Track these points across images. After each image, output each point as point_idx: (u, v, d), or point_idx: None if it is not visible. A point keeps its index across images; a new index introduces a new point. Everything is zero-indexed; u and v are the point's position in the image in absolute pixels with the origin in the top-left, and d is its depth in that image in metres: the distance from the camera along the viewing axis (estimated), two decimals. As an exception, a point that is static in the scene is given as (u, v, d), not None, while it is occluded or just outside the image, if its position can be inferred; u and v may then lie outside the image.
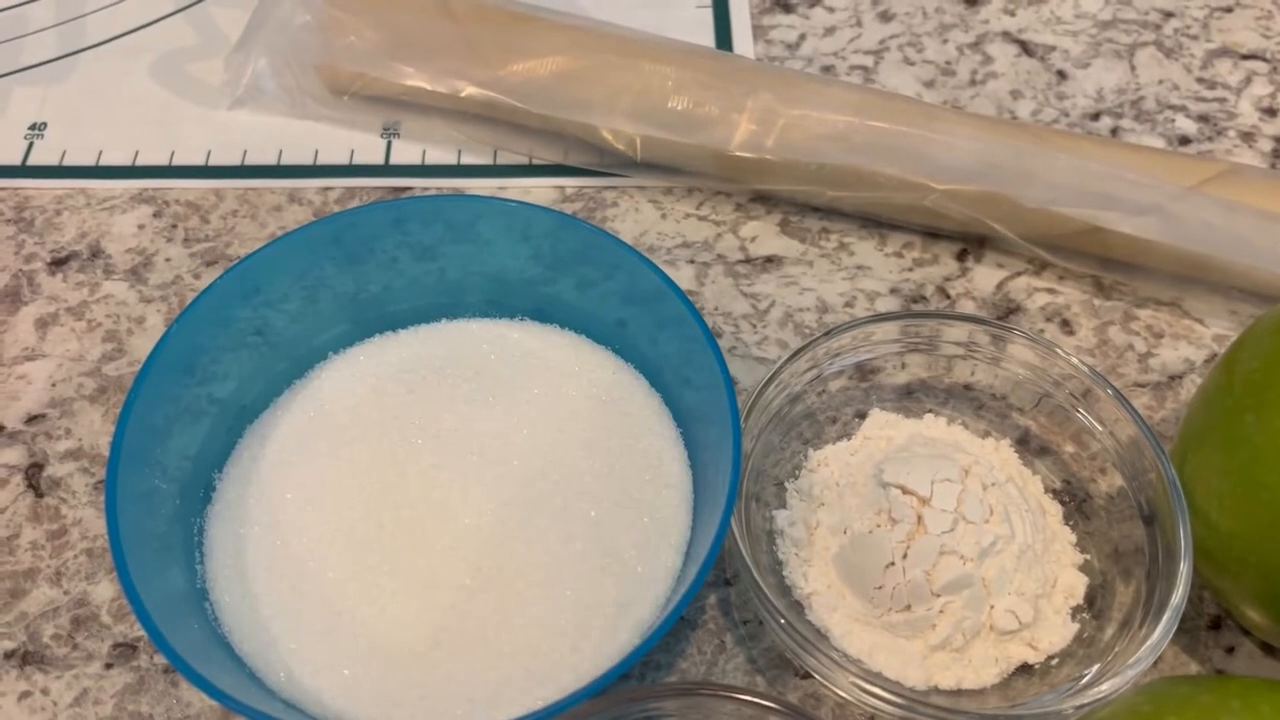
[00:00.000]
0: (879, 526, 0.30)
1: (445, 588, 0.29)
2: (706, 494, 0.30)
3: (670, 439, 0.32)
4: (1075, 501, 0.33)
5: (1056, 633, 0.30)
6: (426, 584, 0.29)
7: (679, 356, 0.32)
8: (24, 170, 0.41)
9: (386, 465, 0.31)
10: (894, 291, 0.39)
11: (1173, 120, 0.44)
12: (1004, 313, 0.38)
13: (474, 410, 0.32)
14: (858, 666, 0.29)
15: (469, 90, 0.40)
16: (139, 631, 0.31)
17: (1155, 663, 0.31)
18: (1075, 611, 0.31)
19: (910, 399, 0.35)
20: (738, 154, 0.38)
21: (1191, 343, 0.38)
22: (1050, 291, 0.39)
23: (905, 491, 0.30)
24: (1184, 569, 0.28)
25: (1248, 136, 0.43)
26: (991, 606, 0.30)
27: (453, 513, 0.30)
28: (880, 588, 0.30)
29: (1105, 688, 0.27)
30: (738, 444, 0.28)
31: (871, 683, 0.27)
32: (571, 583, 0.29)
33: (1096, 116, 0.44)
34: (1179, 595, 0.28)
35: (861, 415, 0.35)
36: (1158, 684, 0.25)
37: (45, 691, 0.30)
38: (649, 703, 0.27)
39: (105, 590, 0.32)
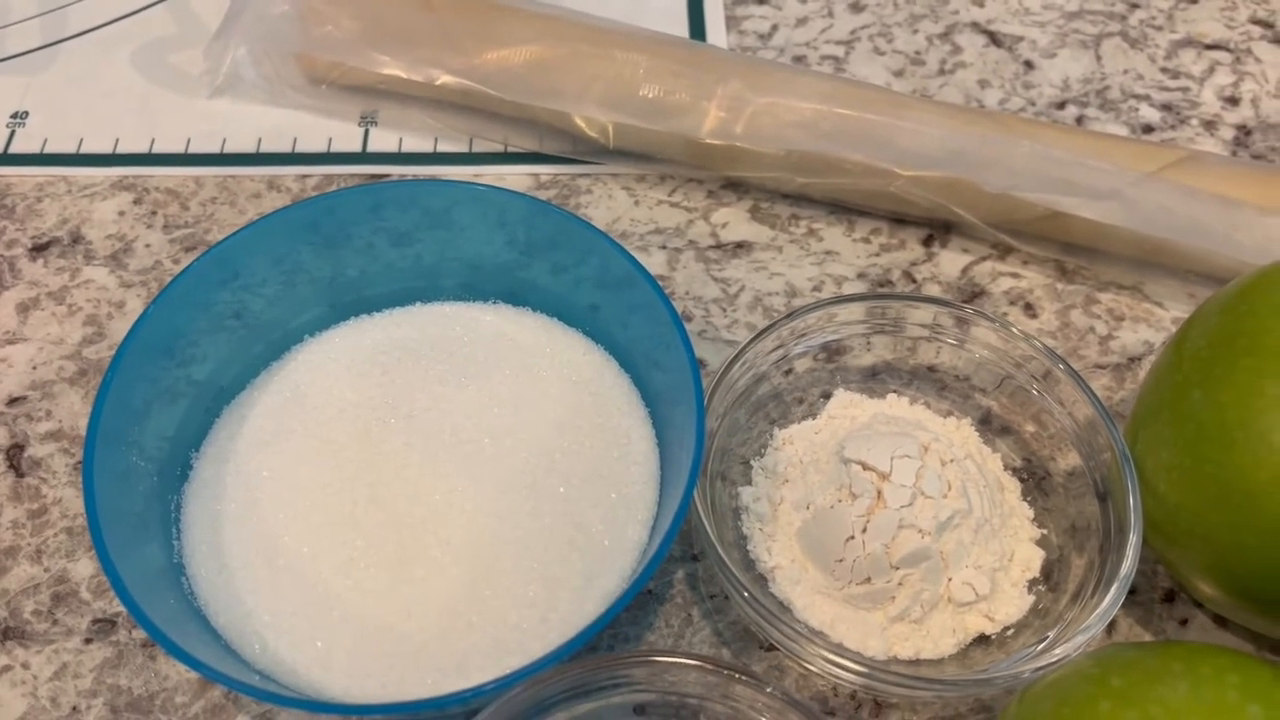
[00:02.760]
0: (840, 502, 0.31)
1: (416, 562, 0.30)
2: (672, 471, 0.31)
3: (639, 418, 0.33)
4: (1035, 479, 0.34)
5: (1013, 604, 0.31)
6: (398, 558, 0.30)
7: (649, 340, 0.33)
8: (5, 158, 0.41)
9: (361, 444, 0.32)
10: (861, 276, 0.39)
11: (1137, 109, 0.44)
12: (969, 297, 0.39)
13: (447, 390, 0.33)
14: (819, 638, 0.30)
15: (445, 79, 0.41)
16: (118, 607, 0.32)
17: (1110, 633, 0.32)
18: (1031, 584, 0.31)
19: (875, 380, 0.36)
20: (708, 141, 0.39)
21: (1151, 325, 0.38)
22: (1014, 276, 0.40)
23: (866, 467, 0.31)
24: (1133, 540, 0.29)
25: (1210, 125, 0.44)
26: (949, 579, 0.30)
27: (424, 489, 0.31)
28: (841, 561, 0.30)
29: (1057, 653, 0.28)
30: (701, 422, 0.29)
31: (833, 653, 0.28)
32: (540, 556, 0.30)
33: (1062, 105, 0.44)
34: (1128, 565, 0.29)
35: (827, 396, 0.35)
36: (1106, 649, 0.26)
37: (25, 665, 0.31)
38: (616, 670, 0.28)
39: (85, 567, 0.33)
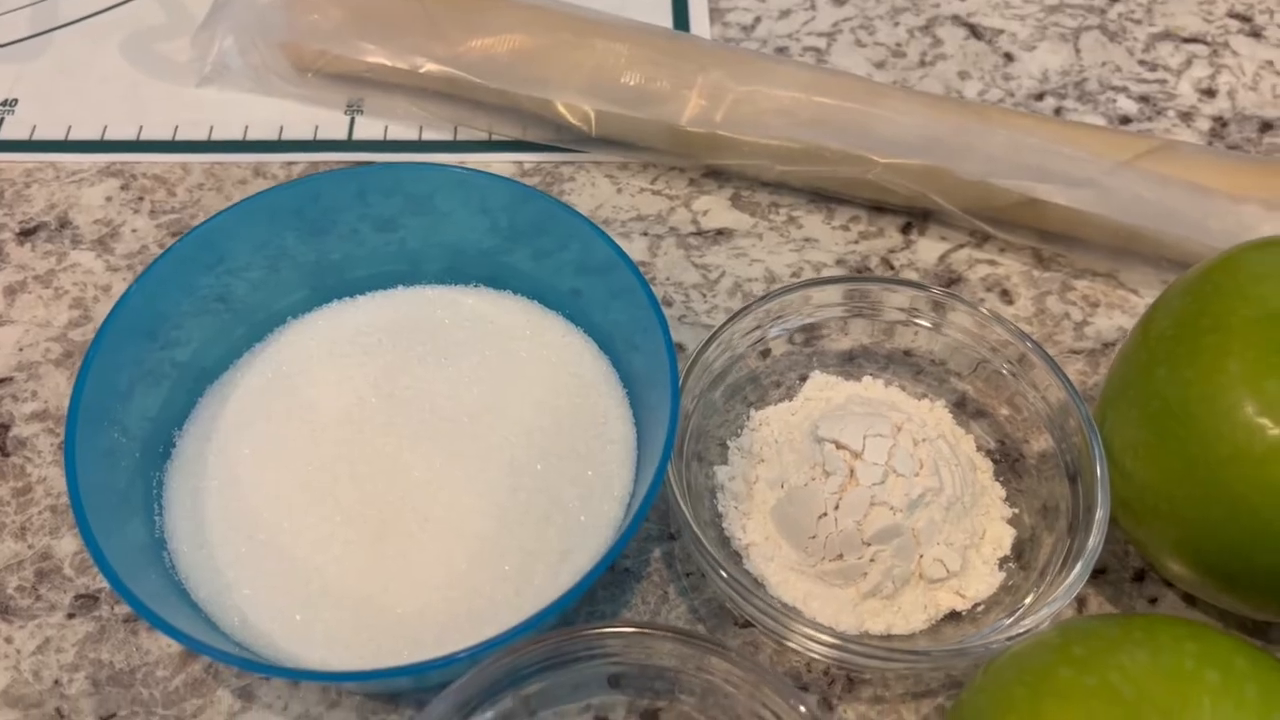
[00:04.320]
0: (814, 480, 0.31)
1: (395, 536, 0.30)
2: (649, 451, 0.31)
3: (617, 399, 0.33)
4: (1008, 461, 0.34)
5: (983, 581, 0.31)
6: (377, 533, 0.30)
7: (628, 323, 0.33)
8: (-7, 144, 0.42)
9: (342, 423, 0.32)
10: (840, 263, 0.40)
11: (1114, 100, 0.45)
12: (946, 283, 0.39)
13: (427, 370, 0.34)
14: (793, 614, 0.30)
15: (430, 66, 0.41)
16: (100, 583, 0.32)
17: (1080, 611, 0.33)
18: (1002, 562, 0.32)
19: (851, 364, 0.36)
20: (689, 129, 0.40)
21: (1125, 312, 0.39)
22: (991, 263, 0.40)
23: (839, 446, 0.31)
24: (1100, 514, 0.30)
25: (1186, 116, 0.45)
26: (920, 556, 0.31)
27: (404, 466, 0.31)
28: (814, 537, 0.31)
29: (1026, 624, 0.28)
30: (675, 399, 0.29)
31: (807, 627, 0.29)
32: (516, 531, 0.30)
33: (1040, 97, 0.45)
34: (1095, 539, 0.29)
35: (804, 379, 0.36)
36: (1070, 621, 0.27)
37: (9, 640, 0.32)
38: (592, 641, 0.28)
39: (68, 544, 0.33)
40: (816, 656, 0.30)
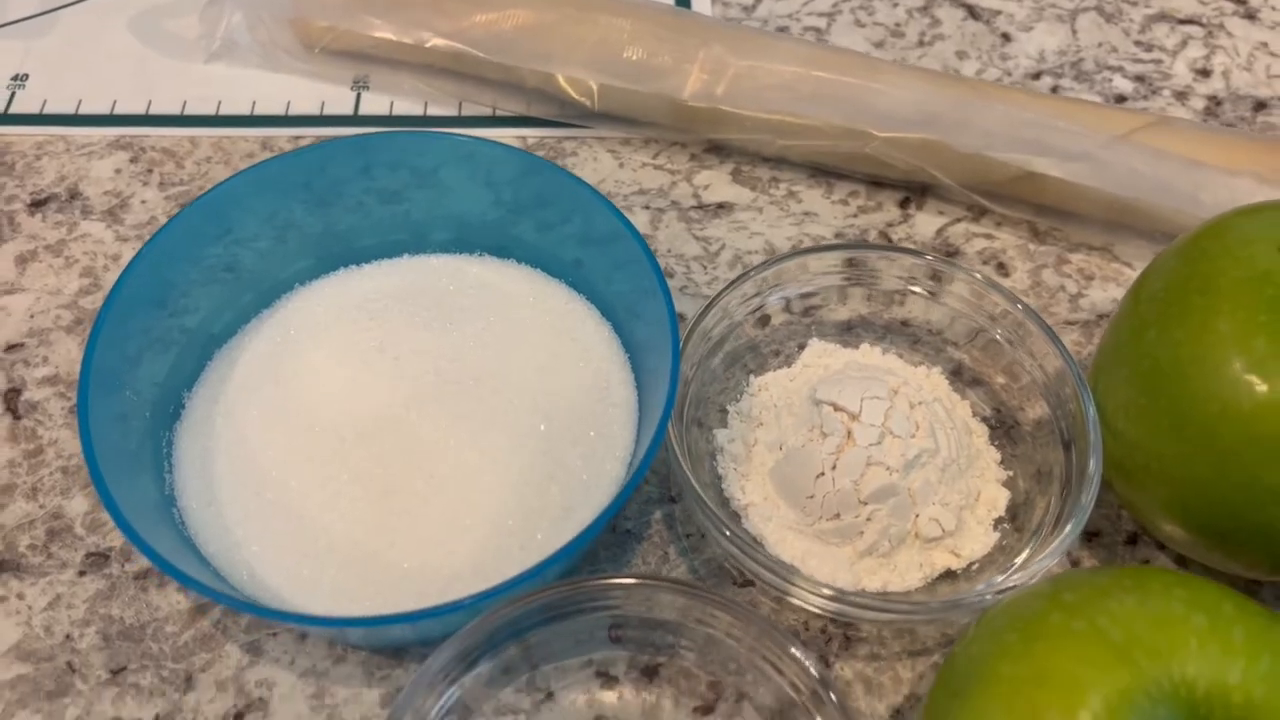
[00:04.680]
0: (811, 441, 0.32)
1: (401, 493, 0.31)
2: (650, 416, 0.32)
3: (618, 364, 0.34)
4: (1004, 428, 0.35)
5: (978, 541, 0.32)
6: (383, 490, 0.31)
7: (631, 292, 0.34)
8: (5, 118, 0.42)
9: (348, 385, 0.33)
10: (839, 236, 0.40)
11: (1110, 80, 0.46)
12: (934, 271, 0.40)
13: (433, 335, 0.34)
14: (791, 570, 0.31)
15: (435, 41, 0.42)
16: (111, 542, 0.33)
17: (1072, 565, 0.33)
18: (997, 523, 0.32)
19: (850, 334, 0.37)
20: (690, 103, 0.40)
21: (1120, 284, 0.39)
22: (987, 237, 0.41)
23: (836, 408, 0.32)
24: (1092, 472, 0.30)
25: (1181, 95, 0.45)
26: (916, 515, 0.31)
27: (410, 425, 0.32)
28: (811, 497, 0.31)
29: (1017, 579, 0.29)
30: (676, 356, 0.30)
31: (806, 581, 0.29)
32: (520, 489, 0.31)
33: (1038, 76, 0.46)
34: (1087, 496, 0.30)
35: (803, 348, 0.36)
36: (1062, 573, 0.27)
37: (20, 596, 0.32)
38: (594, 592, 0.29)
39: (79, 504, 0.34)
40: (815, 611, 0.30)
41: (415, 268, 0.36)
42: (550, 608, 0.28)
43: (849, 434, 0.31)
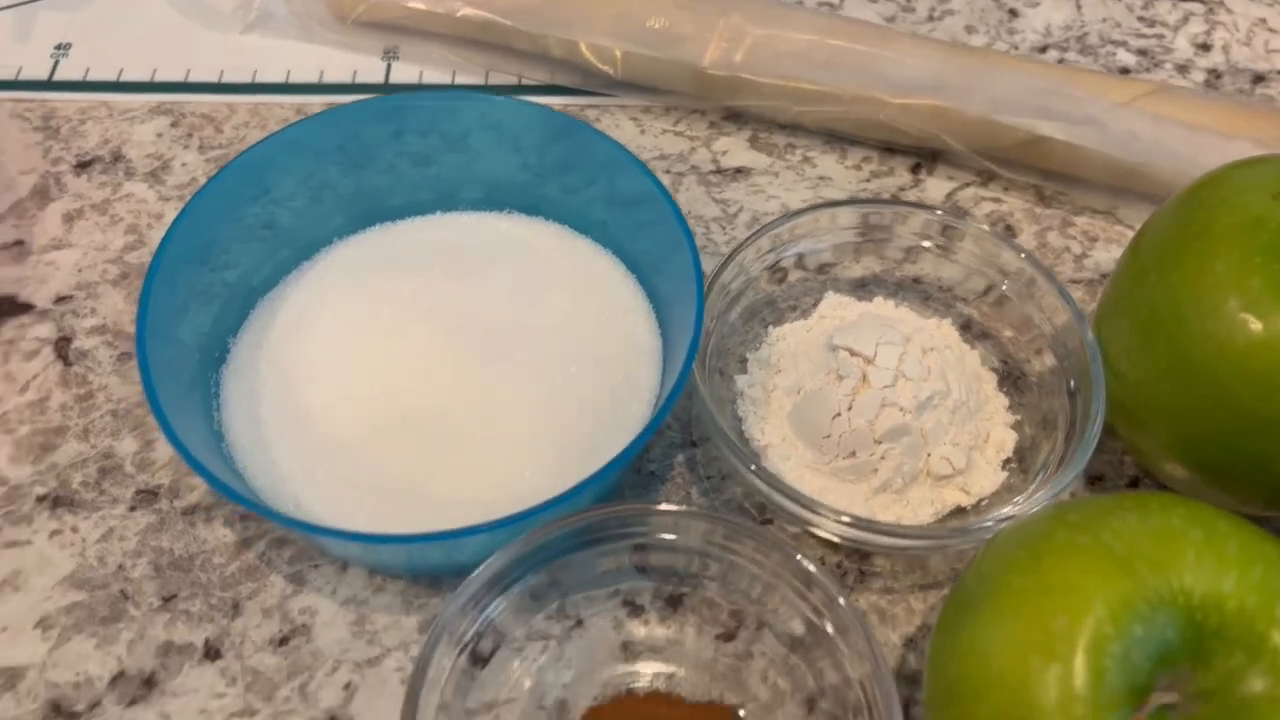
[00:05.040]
0: (828, 384, 0.33)
1: (437, 429, 0.33)
2: (674, 362, 0.34)
3: (643, 314, 0.36)
4: (1011, 379, 0.37)
5: (987, 479, 0.33)
6: (420, 426, 0.33)
7: (657, 249, 0.35)
8: (50, 85, 0.44)
9: (384, 331, 0.35)
10: (852, 199, 0.42)
11: (1114, 53, 0.47)
12: (946, 226, 0.42)
13: (465, 285, 0.36)
14: (811, 503, 0.32)
15: (465, 11, 0.43)
16: (159, 480, 0.35)
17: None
18: (1005, 463, 0.34)
19: (863, 290, 0.39)
20: (710, 71, 0.42)
21: (1122, 245, 0.41)
22: (995, 200, 0.42)
23: (852, 353, 0.33)
24: (1096, 407, 0.32)
25: (1182, 69, 0.47)
26: (928, 454, 0.33)
27: (445, 367, 0.34)
28: (828, 437, 0.33)
29: (1021, 507, 0.31)
30: (700, 305, 0.32)
31: (827, 510, 0.31)
32: (552, 426, 0.33)
33: (1044, 49, 0.47)
34: (1092, 429, 0.31)
35: (817, 304, 0.38)
36: (1066, 500, 0.29)
37: (75, 530, 0.34)
38: (625, 517, 0.30)
39: (128, 445, 0.35)
40: (835, 539, 0.32)
41: (446, 224, 0.38)
42: (580, 534, 0.30)
43: (864, 377, 0.33)
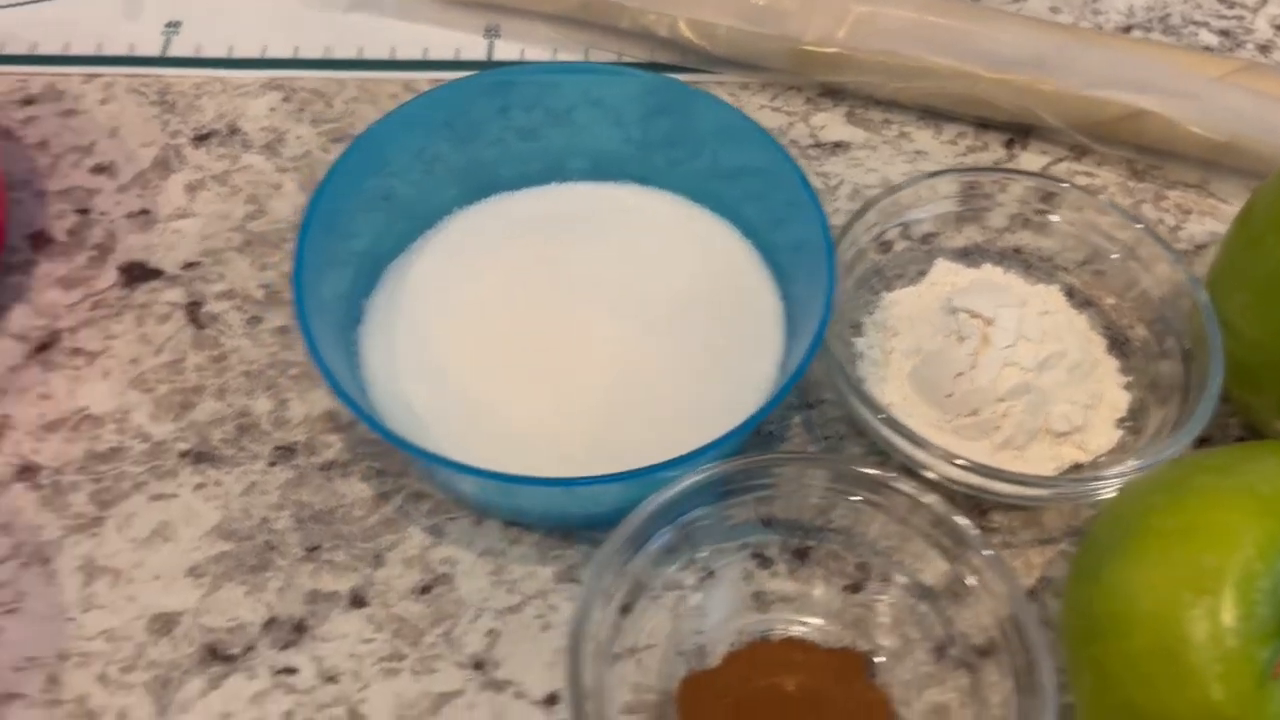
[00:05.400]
0: (948, 345, 0.34)
1: (566, 389, 0.34)
2: (797, 322, 0.35)
3: (763, 277, 0.37)
4: (1116, 345, 0.38)
5: (1103, 437, 0.34)
6: (550, 384, 0.34)
7: (773, 214, 0.36)
8: (163, 61, 0.45)
9: (513, 291, 0.36)
10: (955, 168, 0.43)
11: (1196, 34, 0.48)
12: (1047, 194, 0.43)
13: (584, 251, 0.37)
14: (941, 450, 0.33)
15: (568, -12, 0.44)
16: (295, 437, 0.36)
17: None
18: (1119, 422, 0.35)
19: (967, 259, 0.40)
20: (811, 47, 0.43)
21: (1215, 218, 0.42)
22: (1089, 175, 0.43)
23: (973, 315, 0.34)
24: (1213, 369, 0.33)
25: (1264, 49, 0.48)
26: (1048, 412, 0.34)
27: (572, 328, 0.35)
28: (950, 395, 0.34)
29: (1141, 463, 0.32)
30: (831, 264, 0.33)
31: (957, 460, 0.32)
32: (678, 385, 0.34)
33: (1128, 29, 0.48)
34: (1213, 385, 0.32)
35: (923, 273, 0.39)
36: (1197, 451, 0.30)
37: (218, 484, 0.35)
38: (754, 469, 0.31)
39: (263, 404, 0.36)
40: (960, 488, 0.33)
41: (564, 194, 0.39)
42: (711, 487, 0.31)
43: (985, 338, 0.34)
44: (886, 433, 0.32)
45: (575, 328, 0.35)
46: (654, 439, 0.33)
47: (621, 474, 0.30)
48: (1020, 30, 0.42)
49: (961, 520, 0.30)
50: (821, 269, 0.33)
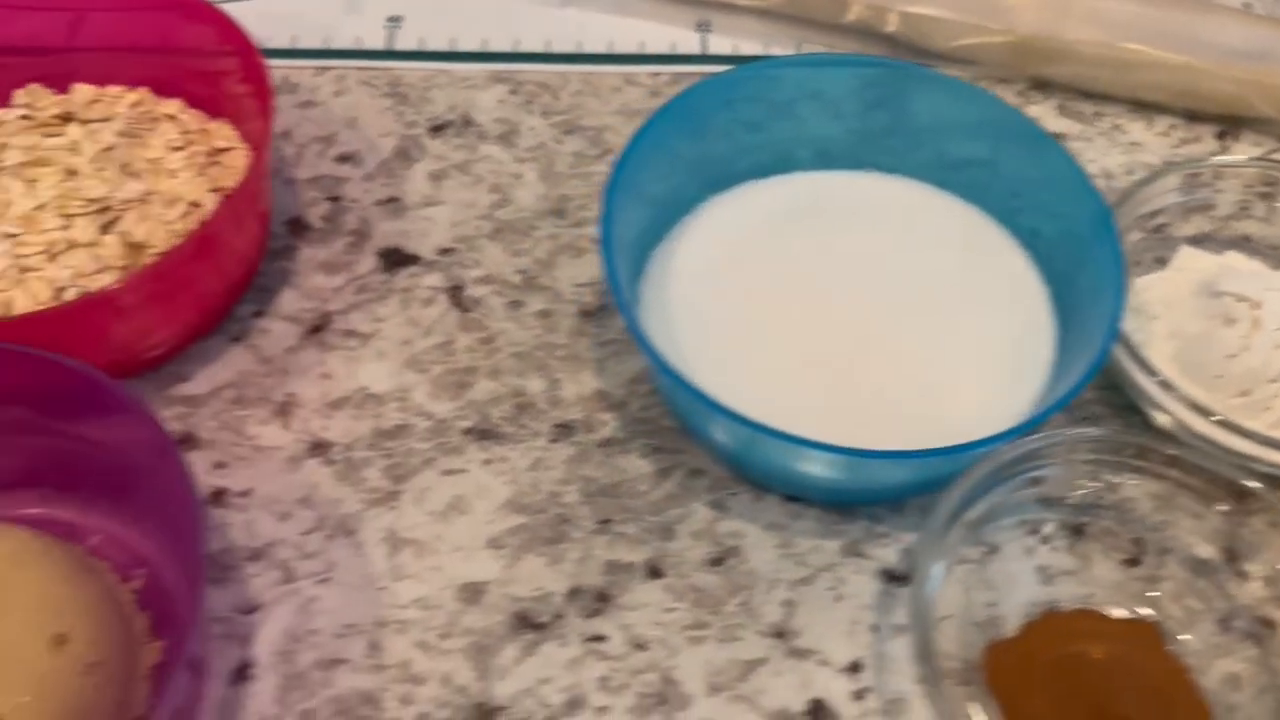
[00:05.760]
0: (1215, 328, 0.35)
1: (850, 366, 0.35)
2: (1065, 306, 0.36)
3: (1024, 263, 0.38)
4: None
5: (1371, 417, 0.35)
6: (835, 363, 0.35)
7: (1035, 198, 0.38)
8: (389, 54, 0.47)
9: (782, 263, 0.38)
10: (1167, 163, 0.44)
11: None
12: (1270, 180, 0.43)
13: (852, 238, 0.38)
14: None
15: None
16: (572, 415, 0.37)
17: None
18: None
19: (1202, 247, 0.41)
20: (1030, 38, 0.44)
21: None
22: (1304, 166, 0.44)
23: (1239, 299, 0.35)
24: None
25: None
26: (1320, 395, 0.35)
27: (851, 310, 0.37)
28: (1220, 377, 0.35)
29: None
30: (1117, 253, 0.34)
31: (1242, 431, 0.33)
32: (958, 369, 0.35)
33: (1322, 24, 0.49)
34: None
35: (1161, 260, 0.40)
36: None
37: (504, 460, 0.36)
38: (1033, 452, 0.32)
39: (536, 384, 0.38)
40: (1236, 461, 0.34)
41: (814, 182, 0.40)
42: (1002, 466, 0.32)
43: (1255, 321, 0.35)
44: (1173, 404, 0.33)
45: (849, 311, 0.36)
46: (935, 420, 0.34)
47: (944, 449, 0.31)
48: (1241, 22, 0.43)
49: (1240, 490, 0.31)
50: (1099, 253, 0.34)
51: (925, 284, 0.37)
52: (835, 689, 0.32)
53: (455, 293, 0.40)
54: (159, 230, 0.37)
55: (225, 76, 0.40)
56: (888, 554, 0.34)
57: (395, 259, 0.41)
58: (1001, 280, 0.37)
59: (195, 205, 0.38)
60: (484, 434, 0.37)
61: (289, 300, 0.39)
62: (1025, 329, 0.36)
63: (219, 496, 0.35)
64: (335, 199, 0.42)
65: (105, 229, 0.37)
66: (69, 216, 0.37)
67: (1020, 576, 0.34)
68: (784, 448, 0.31)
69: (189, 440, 0.36)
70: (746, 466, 0.35)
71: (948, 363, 0.35)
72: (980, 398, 0.35)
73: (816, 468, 0.33)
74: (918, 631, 0.29)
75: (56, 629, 0.28)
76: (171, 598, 0.33)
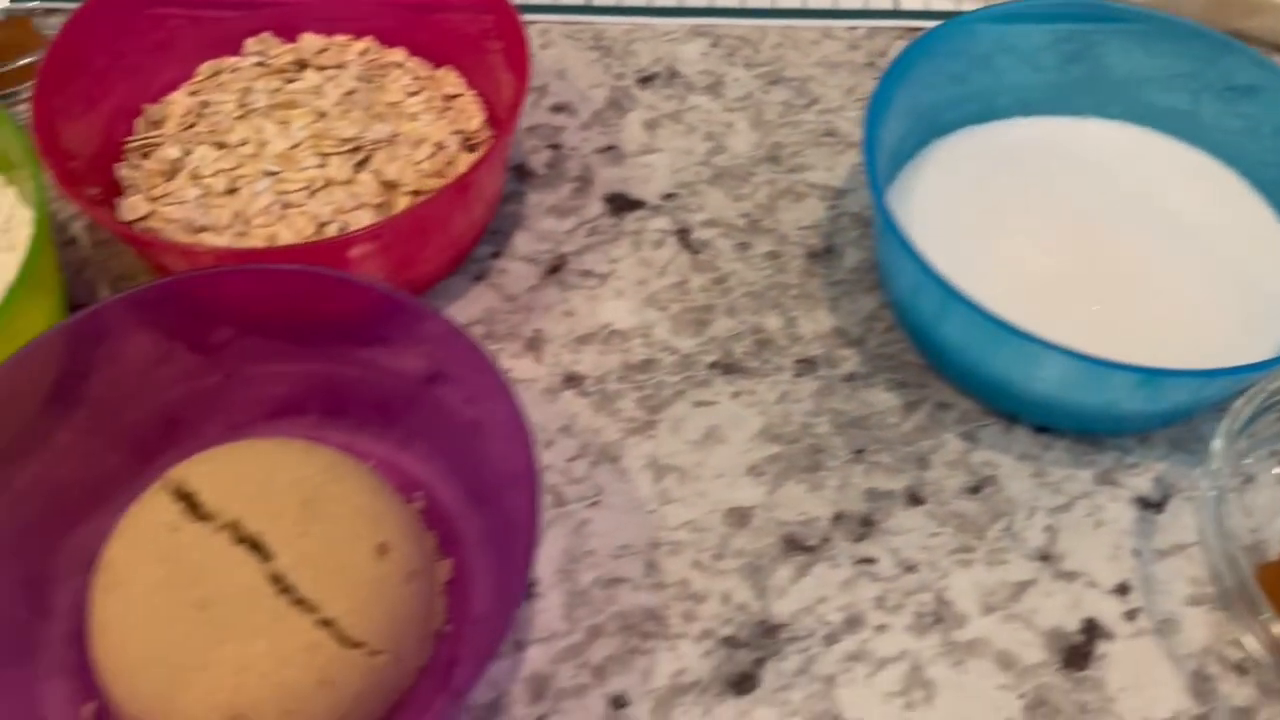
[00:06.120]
0: None
1: (1097, 295, 0.36)
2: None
3: (1256, 202, 0.38)
4: None
5: None
6: (1085, 292, 0.36)
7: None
8: (589, 9, 0.48)
9: (1024, 201, 0.39)
10: (1368, 113, 0.44)
11: None
12: None
13: (1091, 179, 0.39)
14: None
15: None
16: (812, 351, 0.38)
17: None
18: None
19: None
20: (1235, -9, 0.45)
21: None
22: None
23: None
24: None
25: None
26: None
27: (1099, 244, 0.37)
28: None
29: None
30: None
31: None
32: (1213, 297, 0.36)
33: None
34: None
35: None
36: None
37: (752, 393, 0.37)
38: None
39: (773, 321, 0.38)
40: None
41: (1056, 128, 0.41)
42: (1262, 396, 0.33)
43: None
44: None
45: (1099, 247, 0.37)
46: (1192, 350, 0.35)
47: (1231, 369, 0.32)
48: None
49: None
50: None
51: (1168, 224, 0.38)
52: (1106, 609, 0.33)
53: (683, 235, 0.41)
54: (408, 170, 0.38)
55: (458, 29, 0.41)
56: (1140, 483, 0.35)
57: (621, 204, 0.41)
58: (1241, 219, 0.38)
59: (440, 146, 0.39)
60: (729, 368, 0.37)
61: (523, 242, 0.40)
62: (1270, 267, 0.37)
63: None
64: (555, 146, 0.43)
65: (358, 168, 0.38)
66: (324, 155, 0.38)
67: (1278, 503, 0.34)
68: (1069, 364, 0.32)
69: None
70: (1000, 392, 0.36)
71: (1198, 297, 0.36)
72: (1230, 334, 0.35)
73: (1084, 391, 0.34)
74: (1216, 542, 0.30)
75: (379, 539, 0.29)
76: (450, 519, 0.33)
